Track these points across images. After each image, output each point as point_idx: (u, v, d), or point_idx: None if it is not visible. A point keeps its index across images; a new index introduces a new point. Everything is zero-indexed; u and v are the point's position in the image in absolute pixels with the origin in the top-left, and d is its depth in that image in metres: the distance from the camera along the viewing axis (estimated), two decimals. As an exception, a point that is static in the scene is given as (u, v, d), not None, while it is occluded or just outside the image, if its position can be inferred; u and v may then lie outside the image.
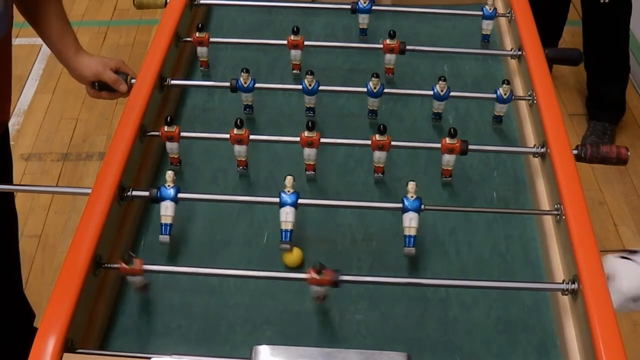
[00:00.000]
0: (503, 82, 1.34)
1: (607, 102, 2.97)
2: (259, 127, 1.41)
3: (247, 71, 1.37)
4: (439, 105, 1.38)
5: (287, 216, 1.12)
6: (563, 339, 1.03)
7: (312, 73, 1.35)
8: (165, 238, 1.14)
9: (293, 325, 1.07)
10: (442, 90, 1.35)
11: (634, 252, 1.12)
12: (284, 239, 1.12)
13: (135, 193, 1.15)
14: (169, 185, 1.14)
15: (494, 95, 1.35)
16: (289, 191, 1.13)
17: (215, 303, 1.10)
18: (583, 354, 0.98)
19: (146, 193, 1.15)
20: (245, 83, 1.37)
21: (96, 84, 1.51)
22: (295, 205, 1.12)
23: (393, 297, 1.10)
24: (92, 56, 1.53)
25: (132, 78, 1.49)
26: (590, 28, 2.85)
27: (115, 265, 1.04)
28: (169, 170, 1.16)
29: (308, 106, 1.40)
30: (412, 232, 1.11)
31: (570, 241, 1.04)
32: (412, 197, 1.12)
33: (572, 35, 3.30)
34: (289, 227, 1.12)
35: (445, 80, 1.35)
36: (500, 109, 1.38)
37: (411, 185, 1.13)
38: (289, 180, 1.13)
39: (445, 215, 1.21)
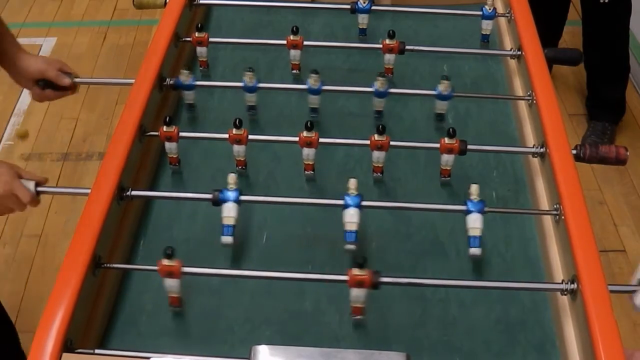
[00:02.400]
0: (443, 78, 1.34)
1: (607, 102, 2.97)
2: (258, 127, 1.40)
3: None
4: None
5: (351, 217, 1.12)
6: (562, 339, 1.03)
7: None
8: (228, 239, 1.13)
9: (293, 325, 1.07)
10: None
11: None
12: (348, 240, 1.11)
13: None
14: (231, 188, 1.14)
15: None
16: (352, 193, 1.13)
17: (214, 303, 1.10)
18: (582, 353, 0.98)
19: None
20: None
21: (40, 82, 1.52)
22: (359, 206, 1.12)
23: (393, 297, 1.10)
24: (35, 55, 1.55)
25: (75, 77, 1.51)
26: (590, 28, 2.85)
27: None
28: (232, 173, 1.15)
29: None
30: (477, 233, 1.12)
31: (569, 241, 1.04)
32: (475, 199, 1.13)
33: (572, 35, 3.29)
34: (354, 227, 1.11)
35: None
36: (441, 106, 1.37)
37: (474, 188, 1.14)
38: (352, 182, 1.13)
39: (445, 215, 1.21)
